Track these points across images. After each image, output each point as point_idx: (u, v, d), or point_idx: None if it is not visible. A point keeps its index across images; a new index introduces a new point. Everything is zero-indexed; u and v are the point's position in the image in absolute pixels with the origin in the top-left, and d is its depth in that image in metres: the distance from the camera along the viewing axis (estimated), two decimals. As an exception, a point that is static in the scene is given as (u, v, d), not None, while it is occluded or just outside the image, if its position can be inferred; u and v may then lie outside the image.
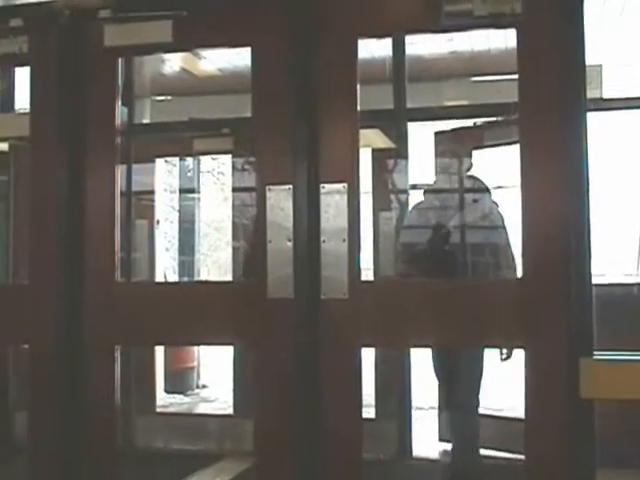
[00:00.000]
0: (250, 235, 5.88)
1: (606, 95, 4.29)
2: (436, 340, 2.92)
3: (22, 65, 3.51)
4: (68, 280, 3.09)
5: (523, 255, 2.73)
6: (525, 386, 2.69)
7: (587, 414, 2.56)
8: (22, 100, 4.51)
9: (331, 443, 2.84)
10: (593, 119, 2.73)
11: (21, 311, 3.18)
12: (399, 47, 4.94)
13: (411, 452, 4.98)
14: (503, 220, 4.10)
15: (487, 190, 4.25)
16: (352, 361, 2.87)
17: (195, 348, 8.03)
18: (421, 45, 6.19)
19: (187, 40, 3.11)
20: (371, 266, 4.81)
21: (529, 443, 2.70)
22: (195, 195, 10.53)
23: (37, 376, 3.17)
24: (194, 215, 10.54)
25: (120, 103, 3.20)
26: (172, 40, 3.03)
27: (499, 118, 4.96)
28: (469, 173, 4.38)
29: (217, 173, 11.81)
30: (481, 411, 4.25)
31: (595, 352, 2.53)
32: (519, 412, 3.00)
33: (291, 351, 2.83)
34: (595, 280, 2.64)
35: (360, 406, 2.89)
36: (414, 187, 5.14)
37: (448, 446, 4.54)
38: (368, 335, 2.88)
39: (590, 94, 2.73)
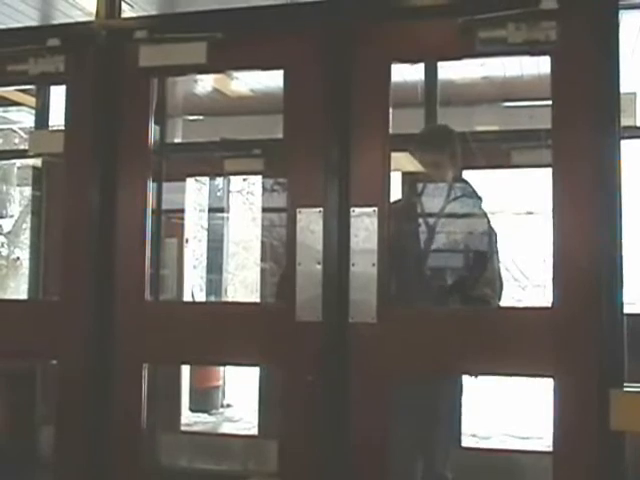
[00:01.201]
0: (278, 256, 5.89)
1: (641, 123, 4.25)
2: (465, 367, 2.90)
3: (58, 84, 3.54)
4: (98, 297, 3.12)
5: (554, 283, 2.70)
6: (553, 417, 2.66)
7: (617, 446, 2.52)
8: (56, 117, 4.57)
9: (357, 467, 2.83)
10: (627, 147, 2.71)
11: (50, 327, 3.20)
12: (431, 71, 4.94)
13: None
14: (496, 237, 3.71)
15: (478, 197, 3.77)
16: (380, 385, 2.85)
17: (221, 367, 8.03)
18: (453, 70, 6.18)
19: (221, 62, 3.12)
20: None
21: (557, 476, 2.66)
22: (224, 214, 10.59)
23: (64, 392, 3.19)
24: (222, 234, 10.59)
25: (153, 122, 3.22)
26: (206, 61, 3.05)
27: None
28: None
29: (246, 193, 11.86)
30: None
31: (626, 384, 2.50)
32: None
33: (318, 374, 2.83)
34: (626, 309, 2.61)
35: (387, 431, 2.87)
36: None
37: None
38: (396, 360, 2.86)
39: (624, 122, 2.71)
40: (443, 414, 3.75)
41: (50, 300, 4.31)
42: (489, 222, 3.71)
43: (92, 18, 3.29)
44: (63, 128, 3.32)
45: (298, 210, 2.92)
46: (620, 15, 2.68)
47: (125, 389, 3.09)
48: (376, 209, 2.86)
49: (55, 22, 4.59)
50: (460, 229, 3.74)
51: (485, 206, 3.74)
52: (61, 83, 3.35)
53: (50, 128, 5.26)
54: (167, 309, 3.53)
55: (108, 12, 3.24)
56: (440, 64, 4.74)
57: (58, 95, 4.00)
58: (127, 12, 3.47)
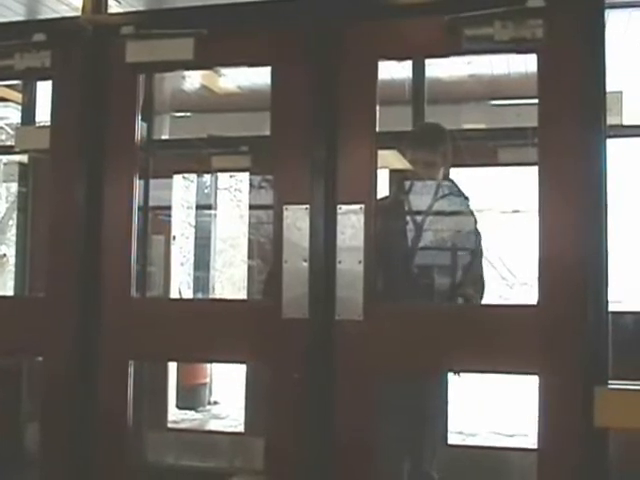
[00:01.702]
0: (265, 253, 5.88)
1: (626, 122, 4.27)
2: (451, 365, 2.91)
3: (44, 79, 3.53)
4: (84, 294, 3.11)
5: (540, 281, 2.71)
6: (539, 414, 2.67)
7: (602, 443, 2.53)
8: (43, 113, 4.55)
9: (343, 465, 2.83)
10: (613, 146, 2.72)
11: (36, 323, 3.19)
12: (419, 69, 4.94)
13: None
14: (480, 239, 3.72)
15: (464, 197, 3.76)
16: (366, 383, 2.85)
17: (208, 364, 8.02)
18: (440, 67, 6.19)
19: (208, 58, 3.12)
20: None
21: (542, 473, 2.67)
22: (211, 211, 10.57)
23: (50, 389, 3.18)
24: (210, 231, 10.57)
25: (140, 118, 3.21)
26: (193, 58, 3.04)
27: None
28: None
29: (234, 190, 11.84)
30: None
31: (610, 381, 2.51)
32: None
33: (305, 371, 2.83)
34: (611, 307, 2.62)
35: (373, 429, 2.87)
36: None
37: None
38: (383, 358, 2.86)
39: (610, 120, 2.71)
40: (429, 412, 3.75)
41: (36, 296, 4.29)
42: (476, 221, 3.72)
43: (78, 13, 3.27)
44: (49, 124, 3.31)
45: (285, 207, 2.91)
46: (606, 14, 2.69)
47: (111, 386, 3.08)
48: (363, 206, 2.86)
49: (41, 17, 4.56)
50: (447, 227, 3.75)
51: (472, 204, 3.75)
52: (47, 78, 3.34)
53: (36, 124, 5.24)
54: (154, 306, 3.52)
55: (94, 7, 3.22)
56: (427, 62, 4.74)
57: (45, 91, 3.99)
58: (114, 8, 3.45)
